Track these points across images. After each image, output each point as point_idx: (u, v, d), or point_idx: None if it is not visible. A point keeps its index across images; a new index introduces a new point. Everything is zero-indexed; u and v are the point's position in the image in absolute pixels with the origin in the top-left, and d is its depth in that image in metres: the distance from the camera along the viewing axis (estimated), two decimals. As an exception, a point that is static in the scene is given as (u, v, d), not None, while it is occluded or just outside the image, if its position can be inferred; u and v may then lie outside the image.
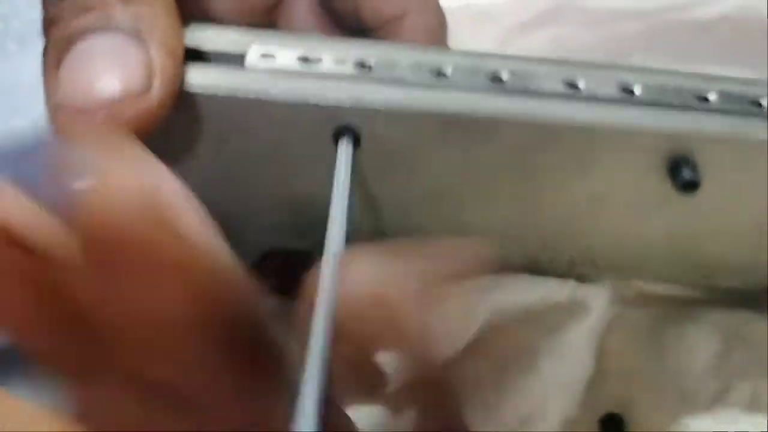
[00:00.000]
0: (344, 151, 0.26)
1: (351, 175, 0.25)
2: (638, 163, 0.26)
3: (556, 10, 0.37)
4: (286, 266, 0.33)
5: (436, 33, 0.31)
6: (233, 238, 0.29)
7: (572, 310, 0.30)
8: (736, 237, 0.28)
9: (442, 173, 0.27)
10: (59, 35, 0.24)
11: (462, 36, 0.33)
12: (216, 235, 0.21)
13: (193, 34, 0.27)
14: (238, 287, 0.23)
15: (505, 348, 0.30)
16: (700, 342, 0.31)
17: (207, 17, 0.32)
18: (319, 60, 0.26)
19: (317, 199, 0.27)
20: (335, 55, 0.27)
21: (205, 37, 0.27)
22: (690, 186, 0.26)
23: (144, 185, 0.19)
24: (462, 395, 0.29)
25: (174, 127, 0.25)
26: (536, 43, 0.37)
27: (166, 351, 0.21)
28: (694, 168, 0.26)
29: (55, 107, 0.24)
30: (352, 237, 0.25)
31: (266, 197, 0.28)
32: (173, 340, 0.20)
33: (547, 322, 0.30)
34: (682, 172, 0.26)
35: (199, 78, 0.26)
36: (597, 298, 0.30)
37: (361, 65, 0.26)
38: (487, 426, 0.30)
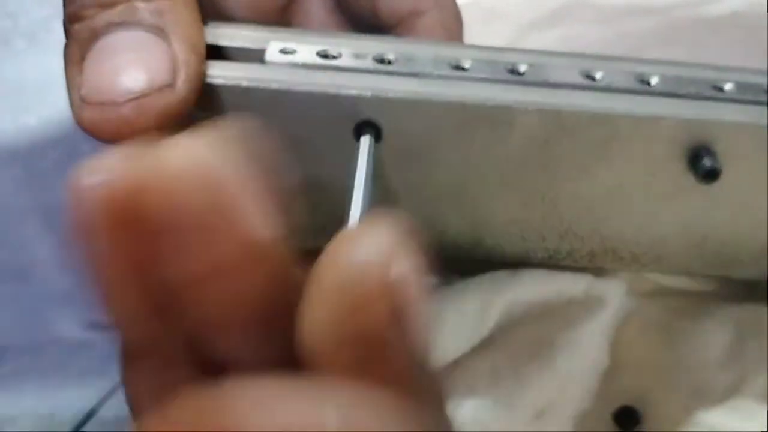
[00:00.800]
0: (366, 148, 0.26)
1: (371, 170, 0.25)
2: (657, 153, 0.27)
3: (566, 8, 0.37)
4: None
5: (453, 30, 0.31)
6: None
7: (588, 304, 0.30)
8: (754, 224, 0.28)
9: (462, 165, 0.27)
10: (82, 30, 0.24)
11: (472, 34, 0.33)
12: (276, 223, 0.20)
13: (211, 32, 0.27)
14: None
15: (522, 342, 0.30)
16: (714, 334, 0.31)
17: (221, 17, 0.32)
18: (339, 55, 0.26)
19: (336, 193, 0.27)
20: (354, 50, 0.27)
21: (224, 33, 0.27)
22: (711, 175, 0.26)
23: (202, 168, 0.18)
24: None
25: (195, 121, 0.25)
26: (546, 41, 0.37)
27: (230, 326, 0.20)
28: (714, 157, 0.26)
29: (80, 102, 0.24)
30: None
31: (287, 193, 0.28)
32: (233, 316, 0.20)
33: (563, 316, 0.30)
34: (702, 161, 0.26)
35: (221, 72, 0.26)
36: (612, 293, 0.31)
37: (381, 60, 0.27)
38: (503, 418, 0.30)
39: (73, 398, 0.37)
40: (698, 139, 0.26)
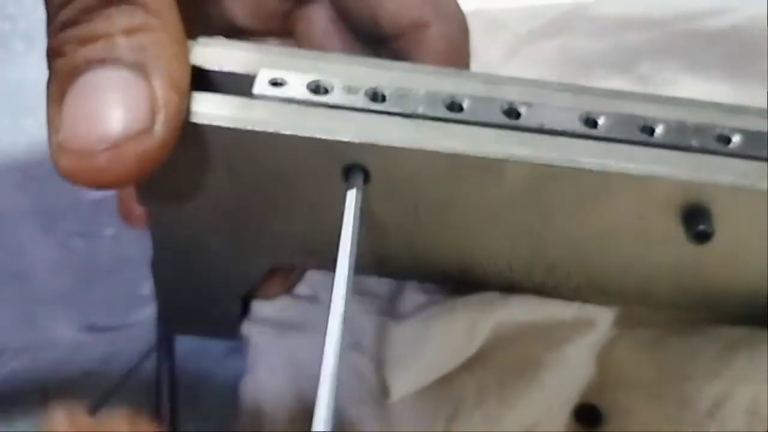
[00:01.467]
0: (353, 199, 0.25)
1: (358, 220, 0.25)
2: (651, 209, 0.26)
3: (565, 19, 0.37)
4: (290, 281, 0.33)
5: (458, 43, 0.30)
6: (242, 254, 0.29)
7: (577, 326, 0.30)
8: (744, 276, 0.28)
9: (451, 205, 0.26)
10: (63, 67, 0.23)
11: (472, 43, 0.32)
12: None
13: (201, 51, 0.26)
14: None
15: (509, 360, 0.30)
16: (702, 346, 0.31)
17: (224, 21, 0.31)
18: (330, 89, 0.25)
19: (325, 221, 0.27)
20: (347, 83, 0.25)
21: (213, 55, 0.26)
22: (702, 237, 0.25)
23: None
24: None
25: (181, 158, 0.24)
26: (545, 51, 0.37)
27: None
28: (708, 219, 0.25)
29: (57, 148, 0.23)
30: (358, 265, 0.24)
31: (275, 220, 0.28)
32: None
33: (551, 336, 0.30)
34: (696, 223, 0.25)
35: (206, 108, 0.24)
36: (602, 317, 0.30)
37: (374, 96, 0.25)
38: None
39: (70, 400, 0.37)
40: (694, 199, 0.25)
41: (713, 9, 0.36)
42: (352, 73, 0.26)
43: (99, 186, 0.23)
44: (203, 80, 0.26)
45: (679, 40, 0.36)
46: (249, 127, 0.24)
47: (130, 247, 0.40)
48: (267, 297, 0.33)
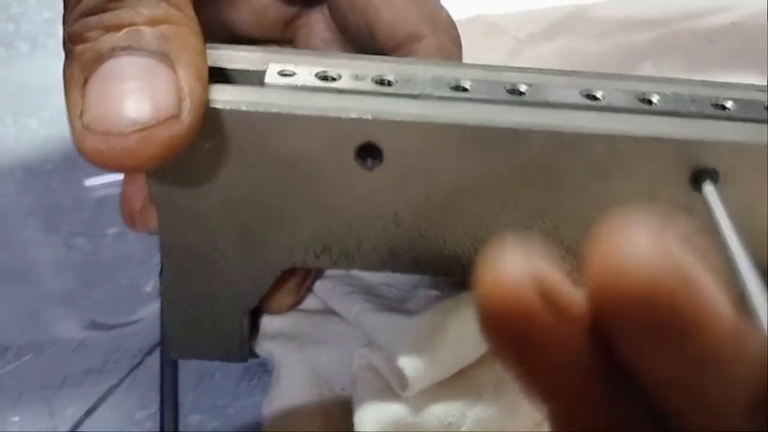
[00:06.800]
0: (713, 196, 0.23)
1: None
2: (659, 173, 0.24)
3: (565, 22, 0.35)
4: (303, 283, 0.31)
5: (451, 54, 0.29)
6: (253, 257, 0.27)
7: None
8: (755, 238, 0.27)
9: (463, 185, 0.25)
10: (85, 52, 0.22)
11: (472, 48, 0.31)
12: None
13: (212, 53, 0.25)
14: None
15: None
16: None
17: (226, 31, 0.30)
18: (338, 77, 0.25)
19: (338, 209, 0.25)
20: (354, 72, 0.25)
21: (224, 55, 0.26)
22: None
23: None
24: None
25: (198, 147, 0.23)
26: (546, 54, 0.35)
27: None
28: (717, 178, 0.24)
29: (82, 128, 0.22)
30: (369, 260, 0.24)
31: (286, 214, 0.26)
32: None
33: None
34: (704, 182, 0.24)
35: (221, 96, 0.24)
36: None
37: (380, 81, 0.25)
38: (507, 426, 0.28)
39: (72, 397, 0.35)
40: (700, 159, 0.24)
41: (713, 7, 0.34)
42: (357, 66, 0.25)
43: (123, 168, 0.22)
44: (216, 78, 0.25)
45: (680, 39, 0.34)
46: (263, 110, 0.23)
47: (133, 246, 0.39)
48: (277, 310, 0.32)
